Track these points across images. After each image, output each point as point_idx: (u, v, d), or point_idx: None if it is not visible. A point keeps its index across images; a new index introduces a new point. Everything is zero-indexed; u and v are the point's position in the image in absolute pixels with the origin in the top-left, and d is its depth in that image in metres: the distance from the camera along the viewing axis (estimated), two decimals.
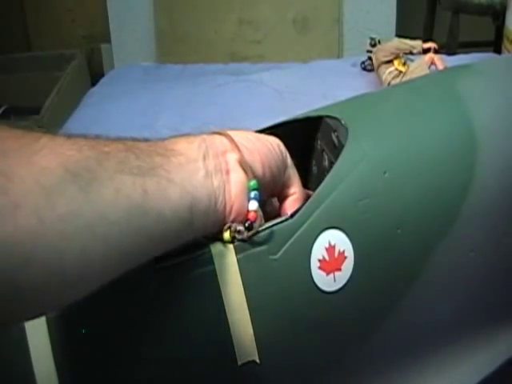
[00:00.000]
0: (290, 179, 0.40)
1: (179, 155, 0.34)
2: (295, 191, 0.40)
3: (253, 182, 0.35)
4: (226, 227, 0.35)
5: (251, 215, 0.35)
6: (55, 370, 0.33)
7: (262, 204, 0.38)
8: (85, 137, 0.31)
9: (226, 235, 0.35)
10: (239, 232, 0.35)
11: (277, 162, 0.38)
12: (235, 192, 0.35)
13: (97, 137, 0.31)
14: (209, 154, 0.35)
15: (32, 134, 0.28)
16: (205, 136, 0.36)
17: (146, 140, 0.34)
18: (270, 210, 0.42)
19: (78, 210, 0.27)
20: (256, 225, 0.35)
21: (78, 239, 0.27)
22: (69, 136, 0.30)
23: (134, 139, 0.33)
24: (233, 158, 0.36)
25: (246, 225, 0.35)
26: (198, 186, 0.33)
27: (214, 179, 0.34)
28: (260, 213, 0.36)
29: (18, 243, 0.25)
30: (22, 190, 0.25)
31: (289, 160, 0.40)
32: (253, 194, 0.35)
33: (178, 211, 0.32)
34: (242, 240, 0.35)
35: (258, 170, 0.37)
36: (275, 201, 0.42)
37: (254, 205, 0.35)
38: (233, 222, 0.35)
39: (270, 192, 0.39)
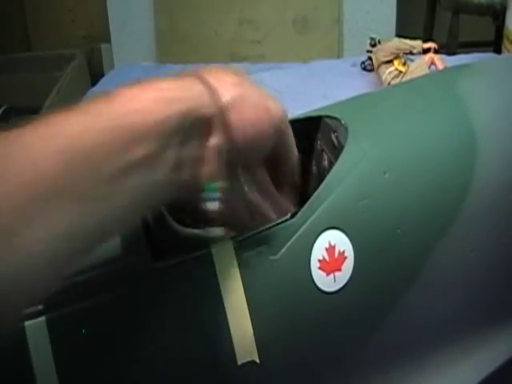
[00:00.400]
0: (283, 155, 0.37)
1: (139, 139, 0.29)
2: (287, 171, 0.38)
3: (213, 185, 0.33)
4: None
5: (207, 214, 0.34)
6: (55, 370, 0.33)
7: (248, 172, 0.36)
8: None
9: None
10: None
11: (267, 129, 0.34)
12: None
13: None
14: (189, 137, 0.31)
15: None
16: (189, 95, 0.31)
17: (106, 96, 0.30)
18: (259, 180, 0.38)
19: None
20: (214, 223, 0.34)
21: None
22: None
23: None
24: (214, 143, 0.32)
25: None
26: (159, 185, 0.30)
27: (185, 170, 0.31)
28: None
29: None
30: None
31: (284, 124, 0.36)
32: (210, 195, 0.34)
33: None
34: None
35: (247, 144, 0.33)
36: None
37: (212, 205, 0.34)
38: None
39: (253, 159, 0.36)
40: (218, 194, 0.34)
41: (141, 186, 0.29)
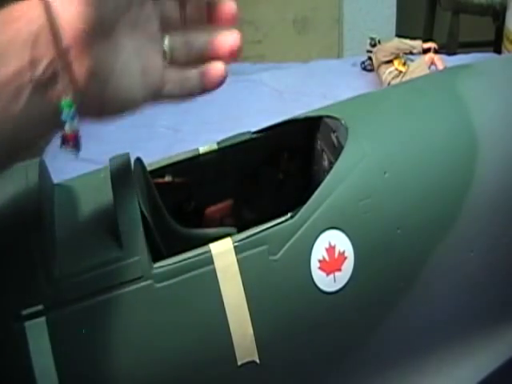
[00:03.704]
0: None
1: None
2: None
3: (65, 104, 0.30)
4: None
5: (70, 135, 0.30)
6: (55, 370, 0.33)
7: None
8: None
9: None
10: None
11: None
12: None
13: None
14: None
15: None
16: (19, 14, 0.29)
17: None
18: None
19: None
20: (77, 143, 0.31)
21: None
22: None
23: None
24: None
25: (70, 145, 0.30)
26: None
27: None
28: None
29: None
30: None
31: None
32: (64, 113, 0.30)
33: None
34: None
35: None
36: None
37: (68, 127, 0.30)
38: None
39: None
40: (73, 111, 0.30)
41: None
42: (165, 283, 0.35)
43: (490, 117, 0.42)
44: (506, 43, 1.42)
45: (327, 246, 0.36)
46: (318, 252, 0.36)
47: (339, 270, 0.37)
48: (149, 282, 0.35)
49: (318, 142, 0.47)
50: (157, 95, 0.34)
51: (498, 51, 1.51)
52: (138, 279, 0.35)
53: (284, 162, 0.45)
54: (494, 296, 0.43)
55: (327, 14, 1.74)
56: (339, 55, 1.74)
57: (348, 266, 0.37)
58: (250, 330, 0.35)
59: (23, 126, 0.29)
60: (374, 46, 1.14)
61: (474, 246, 0.40)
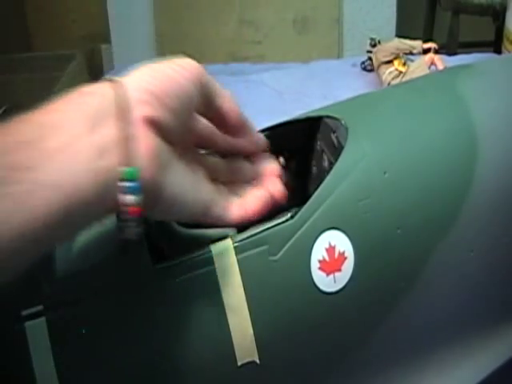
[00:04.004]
0: (211, 93, 0.34)
1: (51, 135, 0.27)
2: (223, 100, 0.35)
3: (129, 170, 0.28)
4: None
5: (132, 209, 0.29)
6: (55, 370, 0.33)
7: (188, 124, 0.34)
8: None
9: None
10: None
11: (188, 93, 0.32)
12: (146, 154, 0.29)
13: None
14: (101, 118, 0.28)
15: None
16: (88, 90, 0.30)
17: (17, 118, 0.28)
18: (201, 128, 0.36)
19: None
20: (133, 221, 0.30)
21: None
22: None
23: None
24: (138, 114, 0.29)
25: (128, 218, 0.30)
26: (79, 176, 0.27)
27: (111, 155, 0.28)
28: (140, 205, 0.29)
29: None
30: None
31: (204, 77, 0.34)
32: (127, 184, 0.29)
33: (38, 222, 0.26)
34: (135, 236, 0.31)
35: (163, 123, 0.30)
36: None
37: (130, 199, 0.29)
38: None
39: (186, 118, 0.33)
40: (137, 183, 0.29)
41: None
42: (165, 284, 0.35)
43: (490, 117, 0.42)
44: (506, 43, 1.42)
45: (327, 246, 0.36)
46: (318, 252, 0.36)
47: (339, 270, 0.37)
48: (149, 282, 0.35)
49: (318, 142, 0.47)
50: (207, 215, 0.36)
51: (498, 51, 1.51)
52: (139, 280, 0.35)
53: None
54: (494, 296, 0.43)
55: (327, 13, 1.74)
56: (339, 55, 1.75)
57: (348, 267, 0.37)
58: (250, 331, 0.35)
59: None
60: (374, 46, 1.14)
61: (474, 246, 0.40)
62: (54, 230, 0.27)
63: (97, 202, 0.28)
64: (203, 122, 0.36)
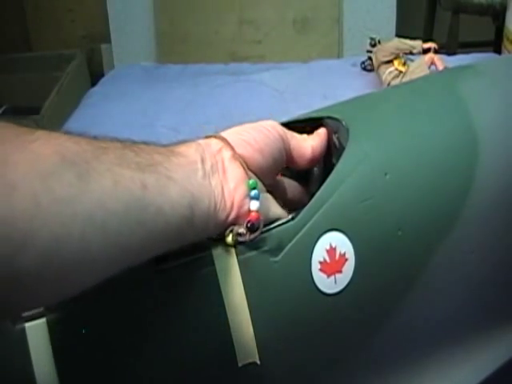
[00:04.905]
0: (297, 148, 0.41)
1: (178, 156, 0.34)
2: (308, 145, 0.42)
3: (251, 181, 0.36)
4: (228, 231, 0.35)
5: (252, 215, 0.35)
6: (55, 370, 0.33)
7: (273, 187, 0.40)
8: (81, 135, 0.31)
9: (229, 239, 0.35)
10: (241, 235, 0.35)
11: (276, 143, 0.39)
12: (233, 186, 0.35)
13: (94, 137, 0.31)
14: (206, 156, 0.35)
15: (28, 128, 0.28)
16: (200, 140, 0.37)
17: (145, 142, 0.34)
18: (282, 191, 0.43)
19: (75, 195, 0.27)
20: (258, 225, 0.35)
21: (77, 225, 0.27)
22: (65, 132, 0.30)
23: (132, 140, 0.33)
24: (227, 155, 0.36)
25: (248, 225, 0.35)
26: (197, 185, 0.33)
27: (211, 180, 0.35)
28: (261, 212, 0.35)
29: (15, 225, 0.25)
30: (17, 173, 0.25)
31: (288, 134, 0.41)
32: (253, 193, 0.35)
33: (178, 209, 0.32)
34: (245, 242, 0.35)
35: (258, 158, 0.38)
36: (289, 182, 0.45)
37: (254, 205, 0.35)
38: (234, 223, 0.35)
39: (275, 173, 0.41)
40: (258, 192, 0.36)
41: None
42: (166, 285, 0.35)
43: (491, 118, 0.42)
44: (506, 43, 1.42)
45: (328, 247, 0.36)
46: (319, 254, 0.36)
47: (340, 271, 0.37)
48: (150, 282, 0.35)
49: None
50: None
51: (498, 51, 1.51)
52: (140, 280, 0.35)
53: None
54: (494, 297, 0.43)
55: (327, 13, 1.74)
56: (339, 55, 1.74)
57: (349, 268, 0.37)
58: (251, 332, 0.35)
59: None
60: (374, 46, 1.14)
61: (474, 247, 0.40)
62: (175, 230, 0.32)
63: (206, 214, 0.34)
64: None
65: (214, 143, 0.37)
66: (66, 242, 0.26)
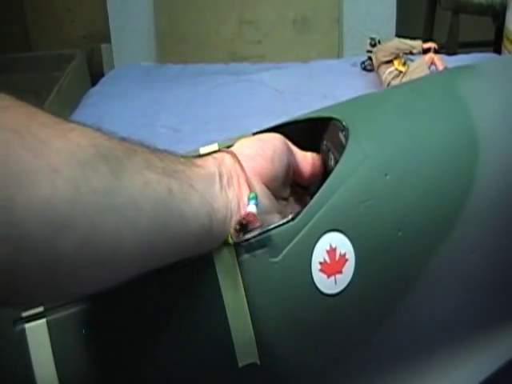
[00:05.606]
0: (300, 161, 0.43)
1: (199, 167, 0.35)
2: (309, 161, 0.43)
3: (252, 194, 0.36)
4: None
5: (247, 213, 0.35)
6: (55, 370, 0.33)
7: (283, 203, 0.42)
8: (111, 134, 0.31)
9: (229, 238, 0.35)
10: (237, 231, 0.35)
11: (285, 154, 0.40)
12: (244, 204, 0.36)
13: (122, 138, 0.32)
14: (222, 170, 0.36)
15: (59, 117, 0.29)
16: (215, 155, 0.39)
17: (167, 151, 0.35)
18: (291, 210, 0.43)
19: (109, 189, 0.28)
20: (252, 225, 0.35)
21: (111, 216, 0.27)
22: (98, 128, 0.31)
23: (156, 147, 0.34)
24: (239, 171, 0.38)
25: (243, 222, 0.35)
26: (215, 197, 0.34)
27: (228, 192, 0.36)
28: (259, 218, 0.36)
29: (58, 208, 0.25)
30: (59, 158, 0.26)
31: (293, 149, 0.42)
32: (252, 201, 0.36)
33: (199, 216, 0.33)
34: (239, 241, 0.35)
35: (269, 167, 0.39)
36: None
37: (252, 207, 0.36)
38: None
39: (288, 183, 0.42)
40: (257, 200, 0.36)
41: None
42: (166, 286, 0.35)
43: (491, 118, 0.42)
44: (506, 43, 1.42)
45: (328, 248, 0.36)
46: (319, 254, 0.36)
47: (340, 272, 0.37)
48: (150, 283, 0.35)
49: (324, 141, 0.46)
50: None
51: (498, 51, 1.51)
52: (139, 280, 0.34)
53: None
54: (494, 297, 0.43)
55: (327, 13, 1.74)
56: (339, 55, 1.74)
57: (349, 269, 0.37)
58: (251, 332, 0.35)
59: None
60: (373, 45, 1.14)
61: (475, 247, 0.40)
62: (195, 236, 0.33)
63: (223, 224, 0.35)
64: None
65: (227, 158, 0.38)
66: (101, 232, 0.27)
